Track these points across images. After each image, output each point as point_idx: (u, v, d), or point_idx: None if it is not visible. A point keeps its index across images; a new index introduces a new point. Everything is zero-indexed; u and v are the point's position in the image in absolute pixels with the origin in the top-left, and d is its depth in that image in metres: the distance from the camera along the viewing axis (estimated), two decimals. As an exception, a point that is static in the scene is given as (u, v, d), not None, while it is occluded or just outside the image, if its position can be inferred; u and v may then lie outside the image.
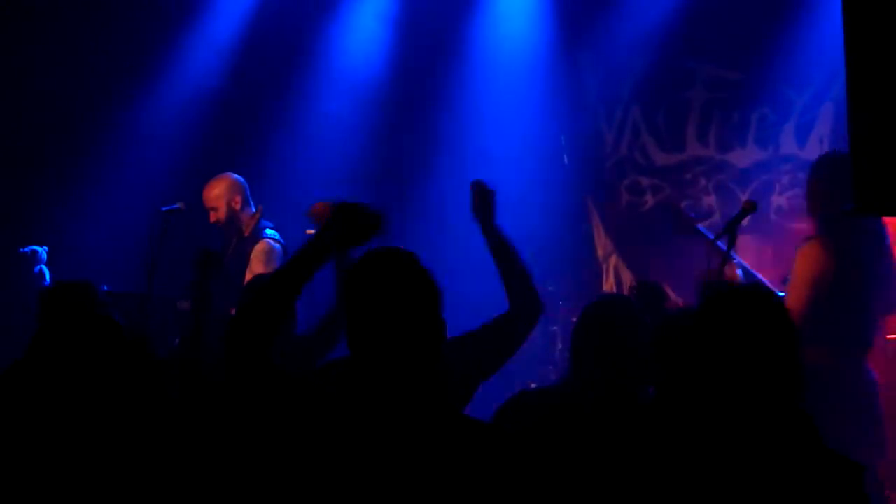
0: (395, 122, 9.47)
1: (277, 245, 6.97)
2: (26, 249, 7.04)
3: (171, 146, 8.86)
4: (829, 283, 5.61)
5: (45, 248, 7.16)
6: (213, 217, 7.07)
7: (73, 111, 8.65)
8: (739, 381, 2.77)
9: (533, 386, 7.69)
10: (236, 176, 7.24)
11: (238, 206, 7.08)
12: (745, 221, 5.79)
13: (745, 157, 8.65)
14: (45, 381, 2.97)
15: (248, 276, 6.71)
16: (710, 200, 8.95)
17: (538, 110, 9.35)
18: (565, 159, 9.35)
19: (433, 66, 9.40)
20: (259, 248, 6.84)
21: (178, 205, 6.86)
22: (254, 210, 7.16)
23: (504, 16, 9.32)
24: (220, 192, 7.05)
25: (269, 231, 7.04)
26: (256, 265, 6.78)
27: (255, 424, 2.89)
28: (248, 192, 7.21)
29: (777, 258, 7.61)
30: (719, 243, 5.72)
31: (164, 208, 6.80)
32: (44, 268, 7.15)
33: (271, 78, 9.27)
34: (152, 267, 6.41)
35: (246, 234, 7.07)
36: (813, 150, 8.62)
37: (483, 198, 4.42)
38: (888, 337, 7.37)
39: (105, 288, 5.49)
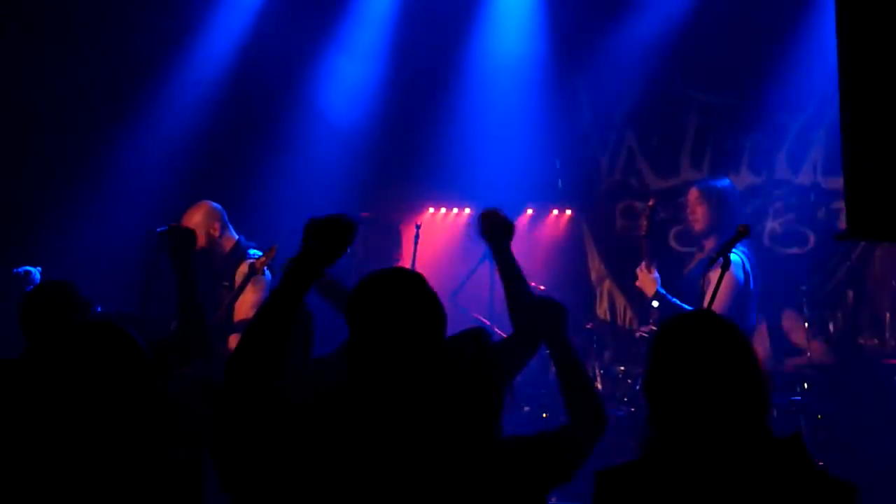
0: (391, 147, 9.49)
1: None
2: (19, 270, 7.02)
3: (164, 167, 8.86)
4: (747, 294, 6.27)
5: (39, 268, 7.15)
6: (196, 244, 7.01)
7: (67, 134, 8.66)
8: (711, 407, 2.77)
9: (526, 409, 7.68)
10: (213, 203, 7.20)
11: (217, 233, 7.03)
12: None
13: (738, 182, 8.66)
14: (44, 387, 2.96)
15: (241, 298, 6.69)
16: (704, 225, 8.96)
17: (533, 135, 9.37)
18: (560, 183, 9.37)
19: (428, 93, 9.43)
20: (241, 271, 6.82)
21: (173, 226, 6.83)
22: (235, 235, 7.13)
23: (498, 41, 9.35)
24: (198, 221, 7.01)
25: (253, 251, 7.01)
26: (246, 287, 6.75)
27: (257, 452, 2.88)
28: (226, 218, 7.16)
29: (768, 283, 7.62)
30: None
31: (158, 229, 6.78)
32: (37, 288, 7.13)
33: (265, 103, 9.28)
34: (146, 288, 6.40)
35: (223, 256, 7.03)
36: (807, 176, 8.65)
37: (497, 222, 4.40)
38: (881, 362, 7.41)
39: (98, 309, 5.47)
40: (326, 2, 9.25)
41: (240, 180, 8.79)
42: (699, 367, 2.80)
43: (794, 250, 8.64)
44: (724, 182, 6.80)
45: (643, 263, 6.49)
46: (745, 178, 8.80)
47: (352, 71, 9.32)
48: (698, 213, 6.66)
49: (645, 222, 6.63)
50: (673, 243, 9.05)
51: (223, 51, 9.15)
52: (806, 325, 7.57)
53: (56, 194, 8.55)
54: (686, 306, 6.26)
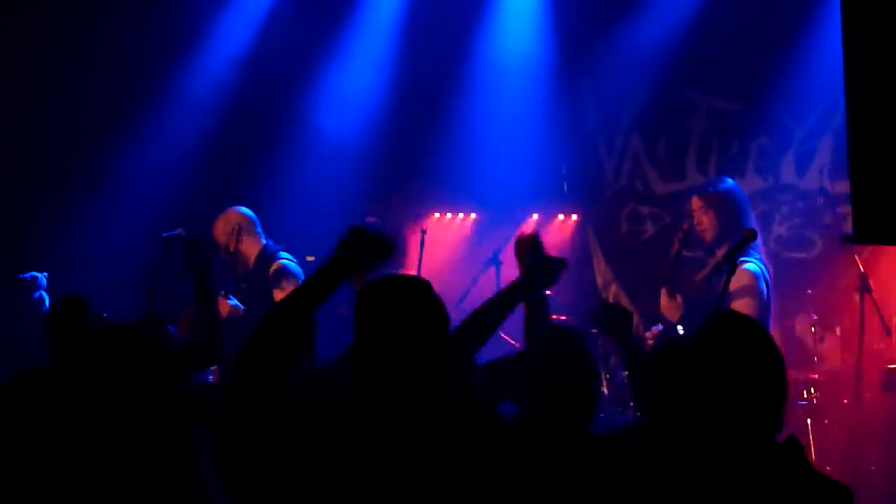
0: (396, 152, 9.50)
1: (290, 263, 6.92)
2: (26, 275, 7.03)
3: (171, 173, 8.88)
4: (767, 306, 5.97)
5: (45, 273, 7.16)
6: (220, 253, 7.01)
7: (75, 139, 8.67)
8: (728, 409, 2.77)
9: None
10: (241, 209, 7.17)
11: (237, 242, 7.01)
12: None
13: (744, 186, 8.60)
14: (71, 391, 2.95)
15: (277, 296, 6.67)
16: (710, 230, 8.94)
17: (539, 139, 9.36)
18: (565, 188, 9.36)
19: (432, 97, 9.43)
20: (274, 269, 6.82)
21: (178, 231, 6.82)
22: (263, 241, 7.09)
23: (503, 45, 9.34)
24: (220, 230, 7.02)
25: (282, 253, 7.00)
26: (279, 286, 6.73)
27: (266, 448, 2.87)
28: (253, 225, 7.12)
29: (776, 288, 7.61)
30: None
31: (164, 234, 6.78)
32: (43, 293, 7.14)
33: (269, 107, 9.30)
34: (152, 293, 6.40)
35: (251, 266, 7.01)
36: (813, 180, 8.63)
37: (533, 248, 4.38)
38: (888, 366, 7.39)
39: (105, 315, 5.48)
40: (330, 6, 9.27)
41: (245, 185, 8.79)
42: (737, 371, 2.78)
43: (801, 254, 8.63)
44: (726, 183, 6.40)
45: (664, 289, 6.18)
46: (751, 183, 8.77)
47: (356, 75, 9.33)
48: (706, 223, 6.26)
49: (676, 246, 6.27)
50: (679, 247, 9.03)
51: (227, 60, 9.17)
52: (813, 329, 7.55)
53: (61, 200, 8.57)
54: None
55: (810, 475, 2.80)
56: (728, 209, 6.18)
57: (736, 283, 5.61)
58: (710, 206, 6.20)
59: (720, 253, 6.10)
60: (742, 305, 5.64)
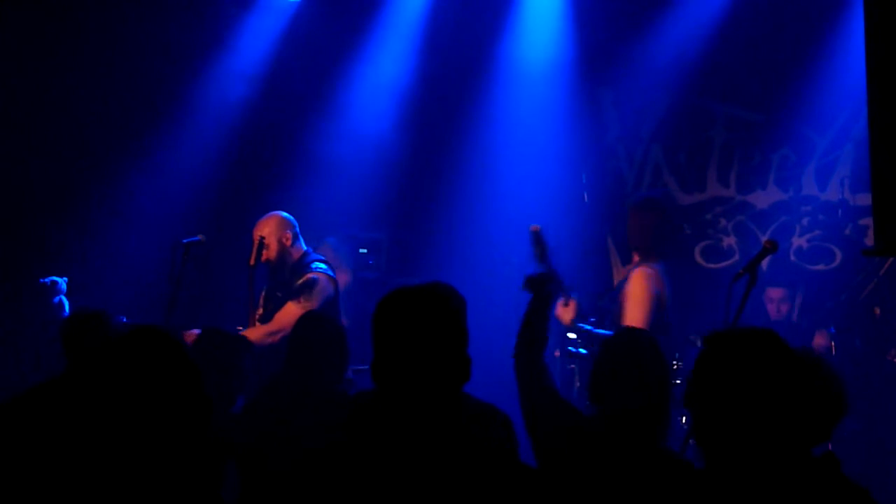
0: (415, 160, 9.50)
1: (322, 276, 6.90)
2: (46, 280, 7.06)
3: (191, 179, 8.89)
4: (662, 300, 6.35)
5: (65, 278, 7.19)
6: (264, 255, 7.00)
7: (96, 144, 8.70)
8: (756, 422, 2.76)
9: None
10: (283, 214, 7.19)
11: (288, 243, 7.03)
12: (764, 262, 5.86)
13: (765, 198, 8.64)
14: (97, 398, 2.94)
15: (286, 307, 6.67)
16: (731, 241, 8.93)
17: (559, 149, 9.35)
18: (586, 198, 9.34)
19: (454, 107, 9.42)
20: (302, 280, 6.83)
21: (199, 237, 6.84)
22: (304, 247, 7.11)
23: (524, 56, 9.34)
24: (270, 230, 7.02)
25: (316, 264, 7.00)
26: (299, 297, 6.75)
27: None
28: (298, 230, 7.16)
29: (795, 299, 7.58)
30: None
31: (185, 240, 6.80)
32: (63, 298, 7.17)
33: (290, 114, 9.31)
34: (172, 299, 6.42)
35: (292, 266, 7.02)
36: (834, 192, 8.61)
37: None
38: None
39: (124, 319, 5.50)
40: (350, 17, 9.28)
41: (264, 193, 8.81)
42: (762, 386, 2.80)
43: (821, 267, 8.60)
44: (649, 193, 6.93)
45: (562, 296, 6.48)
46: (772, 194, 8.76)
47: (377, 83, 9.34)
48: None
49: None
50: (699, 259, 9.02)
51: (250, 64, 9.19)
52: (832, 341, 7.52)
53: (81, 207, 8.59)
54: (602, 331, 6.40)
55: (847, 489, 2.78)
56: (642, 219, 6.70)
57: (628, 285, 6.25)
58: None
59: (635, 260, 6.62)
60: (631, 307, 6.19)
